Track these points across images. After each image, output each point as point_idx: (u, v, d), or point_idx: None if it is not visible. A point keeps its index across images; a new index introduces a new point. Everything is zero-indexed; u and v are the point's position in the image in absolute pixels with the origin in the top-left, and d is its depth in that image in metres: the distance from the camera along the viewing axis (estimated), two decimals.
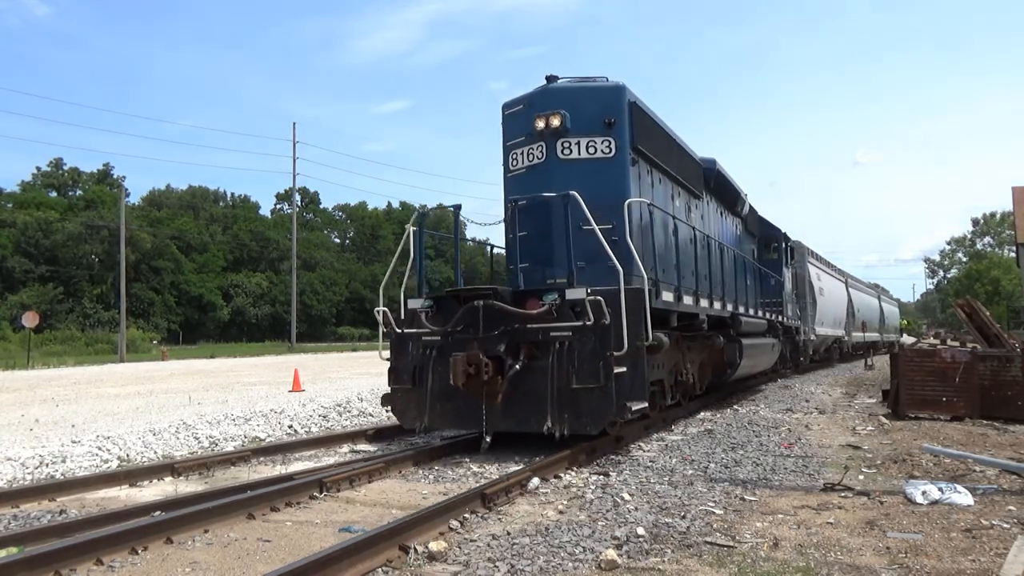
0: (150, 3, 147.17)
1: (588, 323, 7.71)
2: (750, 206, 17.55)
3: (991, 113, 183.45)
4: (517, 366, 7.92)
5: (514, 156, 9.72)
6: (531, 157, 9.48)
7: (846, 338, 30.70)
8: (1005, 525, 5.22)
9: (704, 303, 11.39)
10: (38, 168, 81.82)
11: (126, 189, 72.25)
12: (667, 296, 9.67)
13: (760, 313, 16.05)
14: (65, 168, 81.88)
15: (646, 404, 8.11)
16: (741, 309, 13.85)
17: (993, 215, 71.99)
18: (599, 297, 7.72)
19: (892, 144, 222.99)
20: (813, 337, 23.72)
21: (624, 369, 7.82)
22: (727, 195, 15.27)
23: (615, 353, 7.66)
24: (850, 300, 31.72)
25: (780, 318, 18.24)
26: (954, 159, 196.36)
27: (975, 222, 74.69)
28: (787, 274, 20.52)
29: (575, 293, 7.93)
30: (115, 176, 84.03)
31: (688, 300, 10.58)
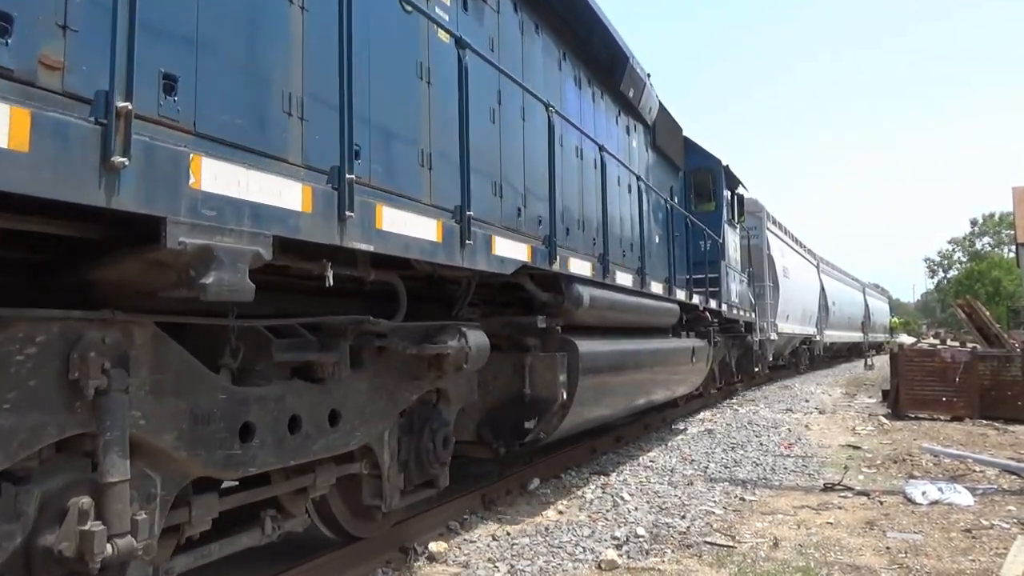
0: None
1: None
2: (661, 108, 9.75)
3: (992, 113, 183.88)
4: None
5: None
6: None
7: (818, 337, 24.41)
8: (1005, 525, 5.22)
9: (387, 219, 3.58)
10: None
11: None
12: None
13: (670, 290, 8.70)
14: None
15: None
16: (585, 269, 6.11)
17: (992, 215, 71.95)
18: None
19: (893, 144, 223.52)
20: (774, 336, 16.91)
21: None
22: (585, 38, 7.24)
23: None
24: (823, 289, 25.72)
25: (715, 303, 10.84)
26: (954, 159, 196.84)
27: (973, 222, 74.60)
28: (729, 236, 12.99)
29: None
30: None
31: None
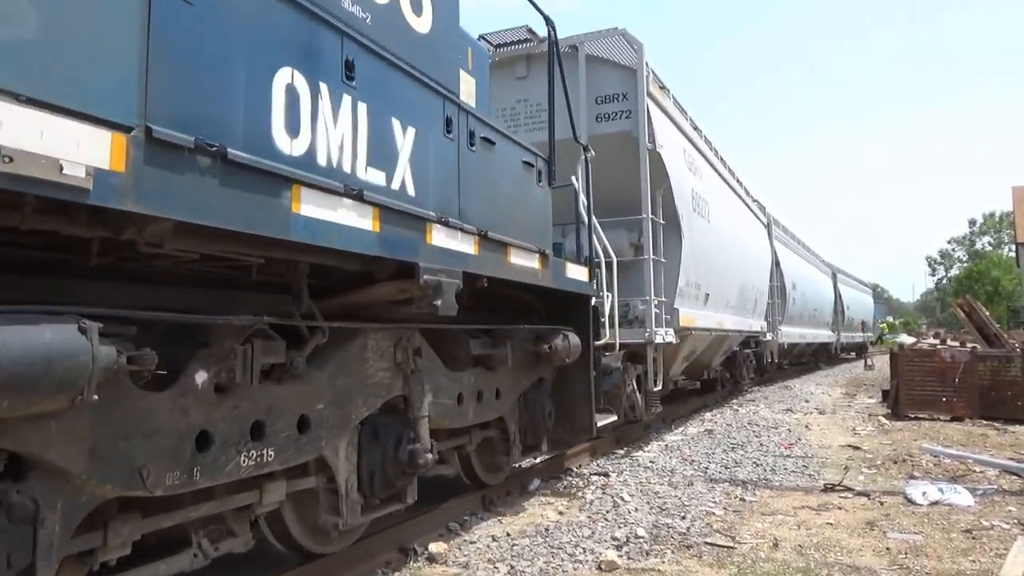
0: None
1: None
2: None
3: (992, 112, 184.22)
4: None
5: None
6: None
7: (768, 335, 16.07)
8: (1005, 526, 5.23)
9: None
10: None
11: None
12: None
13: None
14: None
15: None
16: None
17: (992, 215, 72.04)
18: None
19: (894, 143, 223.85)
20: (669, 336, 8.65)
21: None
22: None
23: None
24: (777, 262, 17.33)
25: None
26: (955, 159, 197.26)
27: (973, 222, 74.70)
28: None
29: None
30: None
31: None
